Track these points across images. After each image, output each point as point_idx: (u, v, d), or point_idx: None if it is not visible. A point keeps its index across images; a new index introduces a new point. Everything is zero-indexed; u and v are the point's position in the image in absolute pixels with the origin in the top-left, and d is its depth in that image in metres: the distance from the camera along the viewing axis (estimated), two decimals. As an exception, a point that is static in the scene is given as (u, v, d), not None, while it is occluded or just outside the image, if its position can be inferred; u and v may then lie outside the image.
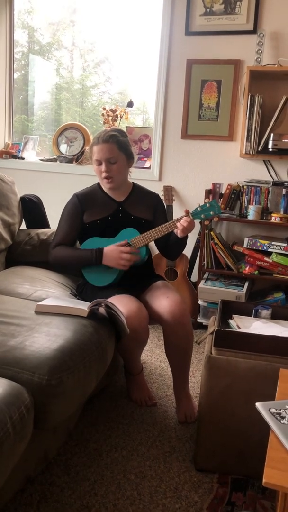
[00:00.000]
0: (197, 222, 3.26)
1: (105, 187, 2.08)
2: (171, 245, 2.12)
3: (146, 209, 2.14)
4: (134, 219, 2.09)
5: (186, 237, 2.05)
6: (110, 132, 2.02)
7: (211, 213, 1.97)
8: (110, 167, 2.01)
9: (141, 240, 2.00)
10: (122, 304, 1.87)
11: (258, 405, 1.17)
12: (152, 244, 2.18)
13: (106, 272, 2.03)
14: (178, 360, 2.01)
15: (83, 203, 2.10)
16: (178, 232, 1.97)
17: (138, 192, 2.17)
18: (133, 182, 2.20)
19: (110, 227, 2.07)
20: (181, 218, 1.96)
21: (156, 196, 2.20)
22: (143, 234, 2.00)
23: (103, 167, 2.01)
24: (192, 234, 3.30)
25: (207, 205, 1.98)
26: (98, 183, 2.17)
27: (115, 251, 1.98)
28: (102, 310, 1.81)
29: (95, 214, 2.09)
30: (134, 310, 1.85)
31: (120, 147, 2.02)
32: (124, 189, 2.13)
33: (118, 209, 2.10)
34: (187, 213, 1.95)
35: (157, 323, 2.01)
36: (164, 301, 1.96)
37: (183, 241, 2.08)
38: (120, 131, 2.09)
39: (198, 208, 1.98)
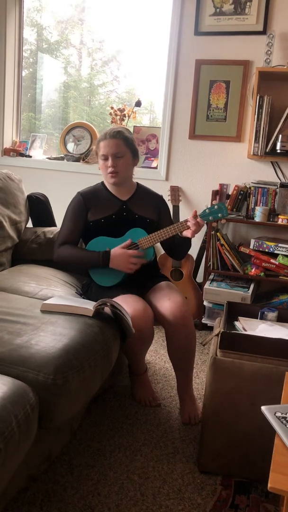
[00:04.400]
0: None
1: (109, 181, 2.08)
2: (177, 246, 2.12)
3: (151, 209, 2.14)
4: (139, 218, 2.09)
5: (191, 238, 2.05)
6: (117, 129, 2.04)
7: (219, 215, 1.98)
8: (117, 162, 2.02)
9: (149, 240, 2.00)
10: (128, 304, 1.87)
11: (263, 408, 1.16)
12: (158, 244, 2.17)
13: (112, 272, 2.03)
14: (181, 362, 2.00)
15: (87, 202, 2.10)
16: (189, 233, 1.97)
17: (142, 192, 2.17)
18: (137, 183, 2.20)
19: (114, 225, 2.07)
20: (188, 220, 1.96)
21: (161, 197, 2.20)
22: (150, 235, 2.00)
23: (109, 162, 2.02)
24: (198, 234, 3.29)
25: (215, 207, 1.98)
26: (102, 182, 2.18)
27: (123, 255, 1.97)
28: (107, 309, 1.81)
29: (99, 212, 2.09)
30: (139, 310, 1.85)
31: (127, 143, 2.04)
32: (128, 188, 2.13)
33: (122, 207, 2.10)
34: (195, 214, 1.95)
35: (159, 324, 2.01)
36: (166, 302, 1.95)
37: (189, 242, 2.08)
38: (126, 129, 2.10)
39: (206, 210, 1.98)
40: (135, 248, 2.01)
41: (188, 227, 1.98)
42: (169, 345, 2.00)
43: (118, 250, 1.99)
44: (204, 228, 3.24)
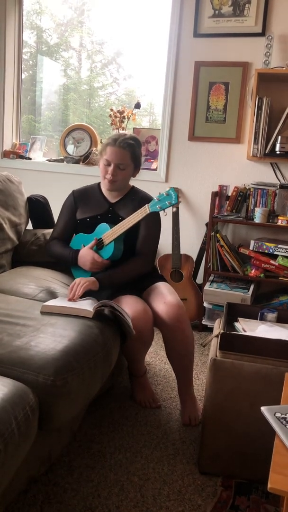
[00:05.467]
0: (202, 224, 3.26)
1: (105, 187, 2.11)
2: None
3: (133, 211, 2.12)
4: (122, 220, 2.09)
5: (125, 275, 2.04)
6: (129, 140, 2.03)
7: (167, 203, 1.87)
8: (117, 172, 2.03)
9: (111, 234, 2.01)
10: (128, 305, 1.87)
11: (263, 409, 1.16)
12: (159, 246, 2.17)
13: (83, 269, 2.10)
14: (180, 364, 2.00)
15: (77, 200, 2.18)
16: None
17: (133, 195, 2.16)
18: (132, 186, 2.20)
19: (98, 225, 2.10)
20: (139, 211, 1.95)
21: (147, 200, 2.17)
22: (112, 229, 2.01)
23: (110, 169, 2.03)
24: (198, 236, 3.29)
25: (164, 194, 1.88)
26: (98, 183, 2.21)
27: (88, 256, 2.03)
28: (107, 311, 1.81)
29: (87, 211, 2.16)
30: (139, 311, 1.85)
31: (133, 157, 2.05)
32: (120, 192, 2.15)
33: (109, 209, 2.14)
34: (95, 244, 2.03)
35: (156, 326, 2.01)
36: (161, 305, 1.94)
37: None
38: (137, 140, 2.09)
39: (155, 199, 1.92)
40: (100, 243, 2.05)
41: (139, 217, 1.93)
42: (167, 348, 2.01)
43: (85, 251, 2.06)
44: (203, 230, 3.24)
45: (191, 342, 1.97)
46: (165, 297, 1.97)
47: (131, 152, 2.03)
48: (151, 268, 2.16)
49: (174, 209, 1.94)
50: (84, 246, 2.09)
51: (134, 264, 2.06)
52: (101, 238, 2.05)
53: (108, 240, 2.02)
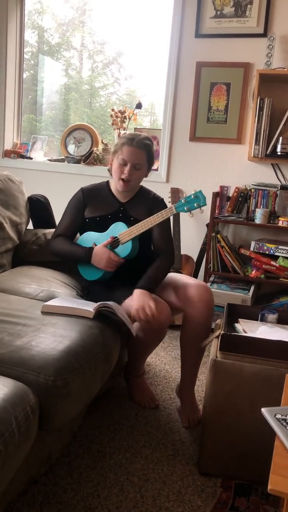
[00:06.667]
0: (202, 224, 3.26)
1: (119, 187, 2.06)
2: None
3: (147, 211, 2.12)
4: (134, 221, 2.09)
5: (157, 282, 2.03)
6: (145, 140, 2.03)
7: (195, 204, 1.91)
8: (133, 172, 2.01)
9: (128, 234, 2.00)
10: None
11: (264, 410, 1.16)
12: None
13: (94, 267, 2.06)
14: (192, 351, 1.99)
15: (86, 198, 2.14)
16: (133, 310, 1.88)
17: (143, 194, 2.17)
18: (141, 185, 2.20)
19: (108, 225, 2.08)
20: (164, 211, 1.95)
21: (161, 200, 2.18)
22: (130, 228, 2.00)
23: (126, 169, 2.00)
24: (199, 237, 3.29)
25: (192, 196, 1.92)
26: (107, 181, 2.18)
27: (103, 254, 1.99)
28: (108, 312, 1.81)
29: (96, 210, 2.12)
30: (161, 306, 1.85)
31: (148, 158, 2.05)
32: (130, 192, 2.13)
33: (119, 209, 2.11)
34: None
35: (180, 310, 2.01)
36: (188, 287, 1.97)
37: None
38: (151, 141, 2.09)
39: (182, 200, 1.94)
40: (116, 242, 2.03)
41: (163, 217, 1.94)
42: (186, 330, 1.99)
43: (100, 249, 2.02)
44: (204, 230, 3.24)
45: (209, 329, 1.98)
46: (189, 280, 2.01)
47: (147, 152, 2.03)
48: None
49: (202, 211, 2.01)
50: (96, 244, 2.06)
51: (164, 262, 2.07)
52: (116, 237, 2.03)
53: (125, 239, 2.00)
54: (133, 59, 3.83)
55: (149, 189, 2.21)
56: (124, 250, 2.00)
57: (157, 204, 2.15)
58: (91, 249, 2.04)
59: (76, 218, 2.15)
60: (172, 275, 2.13)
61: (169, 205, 2.42)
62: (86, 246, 2.08)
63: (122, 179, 2.02)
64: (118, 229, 2.03)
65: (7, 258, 2.39)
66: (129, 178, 2.01)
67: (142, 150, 2.01)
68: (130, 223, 2.06)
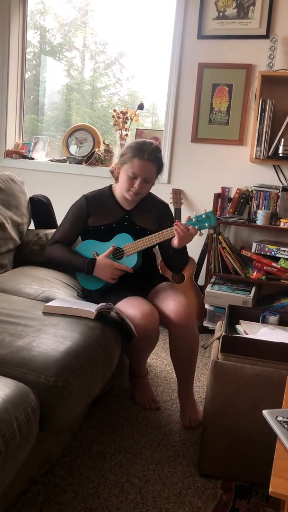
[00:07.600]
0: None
1: (128, 197, 2.03)
2: (172, 257, 2.10)
3: (153, 219, 2.11)
4: (139, 229, 2.07)
5: (184, 249, 2.02)
6: (156, 153, 1.99)
7: (206, 224, 1.92)
8: (144, 185, 1.99)
9: (134, 247, 1.99)
10: (135, 306, 1.86)
11: (265, 412, 1.16)
12: (156, 247, 2.16)
13: (95, 277, 2.03)
14: (184, 364, 2.00)
15: (90, 207, 2.08)
16: (175, 241, 1.94)
17: (147, 200, 2.13)
18: None
19: (112, 234, 2.05)
20: (171, 229, 1.94)
21: (166, 206, 2.17)
22: (136, 241, 1.98)
23: (137, 183, 1.97)
24: (200, 238, 3.29)
25: (203, 215, 1.93)
26: (110, 187, 2.16)
27: (107, 266, 1.97)
28: (109, 313, 1.81)
29: (101, 219, 2.08)
30: (147, 312, 1.85)
31: (158, 170, 2.03)
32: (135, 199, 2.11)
33: (124, 217, 2.08)
34: (179, 223, 1.92)
35: (163, 325, 2.01)
36: (171, 303, 1.95)
37: (181, 253, 2.04)
38: (160, 151, 2.06)
39: (193, 219, 1.94)
40: (120, 253, 2.00)
41: (169, 236, 1.94)
42: (172, 347, 2.00)
43: (103, 260, 1.98)
44: (205, 231, 3.24)
45: (197, 341, 1.97)
46: (174, 296, 1.98)
47: (158, 165, 2.00)
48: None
49: (212, 231, 2.03)
50: (98, 253, 2.03)
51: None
52: (120, 248, 2.01)
53: (130, 251, 1.99)
54: (135, 60, 3.83)
55: (153, 194, 2.19)
56: (129, 262, 1.99)
57: (165, 211, 2.14)
58: (93, 260, 2.00)
59: (76, 226, 2.10)
60: (163, 287, 2.10)
61: (171, 206, 2.41)
62: (86, 256, 2.04)
63: (132, 192, 1.99)
64: (123, 240, 2.01)
65: (9, 258, 2.39)
66: (139, 191, 1.99)
67: (153, 164, 1.97)
68: (135, 231, 2.04)
